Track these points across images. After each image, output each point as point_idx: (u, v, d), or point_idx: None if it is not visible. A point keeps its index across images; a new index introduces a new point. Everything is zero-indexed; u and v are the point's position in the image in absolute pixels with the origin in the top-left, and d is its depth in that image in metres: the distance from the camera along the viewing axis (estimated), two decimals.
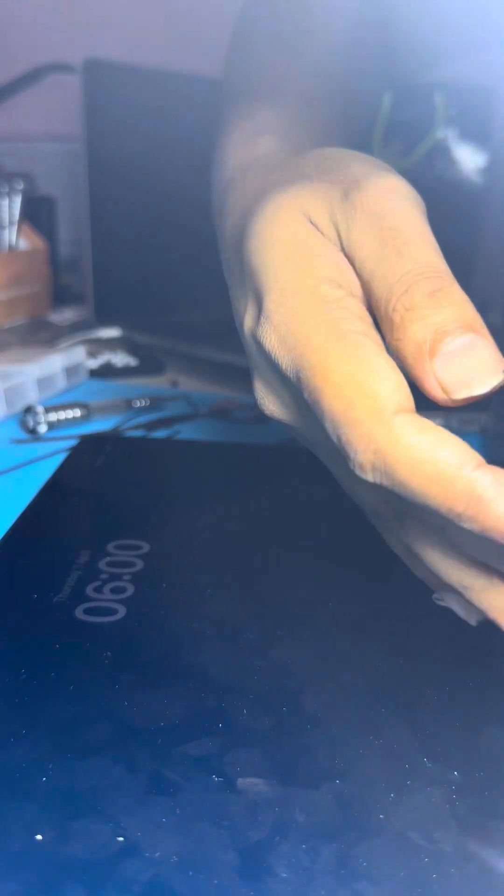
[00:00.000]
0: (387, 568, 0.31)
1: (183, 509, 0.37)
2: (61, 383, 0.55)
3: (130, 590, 0.29)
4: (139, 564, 0.31)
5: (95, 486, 0.41)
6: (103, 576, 0.29)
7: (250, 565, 0.31)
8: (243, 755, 0.21)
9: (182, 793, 0.19)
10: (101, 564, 0.30)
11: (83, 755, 0.20)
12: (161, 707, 0.22)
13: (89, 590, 0.28)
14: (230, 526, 0.35)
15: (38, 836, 0.18)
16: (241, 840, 0.18)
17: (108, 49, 0.74)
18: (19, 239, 0.77)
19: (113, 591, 0.29)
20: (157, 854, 0.18)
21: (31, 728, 0.21)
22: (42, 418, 0.46)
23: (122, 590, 0.29)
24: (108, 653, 0.25)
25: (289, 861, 0.18)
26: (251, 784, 0.20)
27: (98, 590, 0.28)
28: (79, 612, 0.27)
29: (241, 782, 0.20)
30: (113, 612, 0.27)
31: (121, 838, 0.18)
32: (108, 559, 0.31)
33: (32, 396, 0.52)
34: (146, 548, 0.32)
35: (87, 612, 0.27)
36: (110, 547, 0.32)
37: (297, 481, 0.42)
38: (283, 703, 0.23)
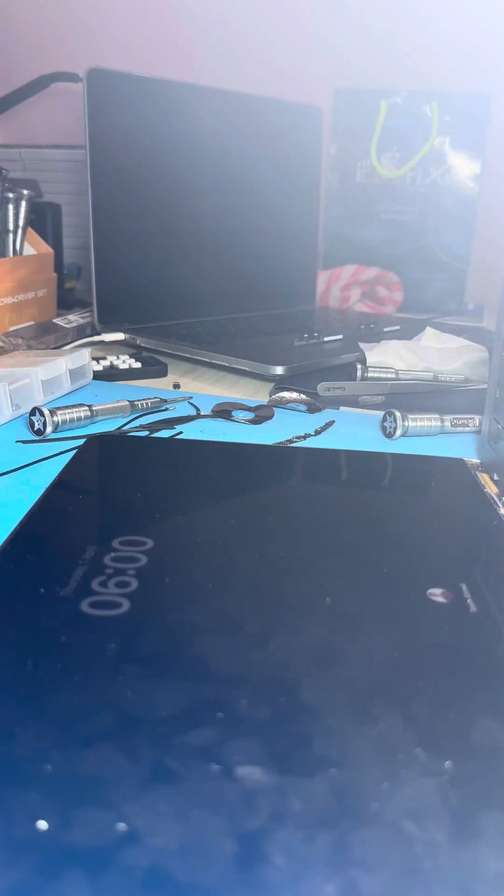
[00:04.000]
0: (382, 564, 0.32)
1: (186, 507, 0.38)
2: (66, 385, 0.56)
3: (134, 584, 0.29)
4: (143, 560, 0.31)
5: (101, 484, 0.41)
6: (108, 571, 0.30)
7: (250, 561, 0.32)
8: (242, 744, 0.21)
9: (182, 781, 0.20)
10: (107, 560, 0.31)
11: (86, 744, 0.21)
12: (163, 697, 0.23)
13: (94, 584, 0.29)
14: (231, 523, 0.36)
15: (41, 823, 0.18)
16: (238, 827, 0.18)
17: (111, 58, 0.75)
18: (25, 244, 0.78)
19: (117, 585, 0.29)
20: (158, 841, 0.18)
21: (35, 717, 0.22)
22: (48, 419, 0.47)
23: (127, 584, 0.29)
24: (113, 645, 0.25)
25: (285, 848, 0.18)
26: (249, 773, 0.20)
27: (103, 584, 0.29)
28: (84, 606, 0.27)
29: (240, 771, 0.20)
30: (117, 605, 0.28)
31: (122, 825, 0.18)
32: (112, 555, 0.31)
33: (38, 398, 0.53)
34: (150, 544, 0.33)
35: (92, 605, 0.28)
36: (115, 543, 0.32)
37: (295, 480, 0.43)
38: (280, 694, 0.23)
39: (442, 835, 0.18)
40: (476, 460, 0.46)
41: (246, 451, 0.46)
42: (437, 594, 0.29)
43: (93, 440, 0.46)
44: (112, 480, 0.42)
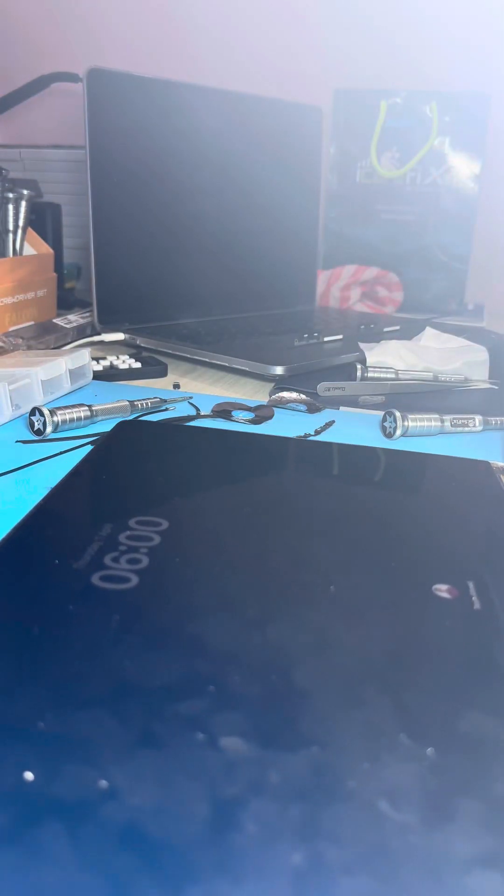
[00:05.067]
0: (392, 558, 0.32)
1: (203, 492, 0.39)
2: (66, 385, 0.56)
3: (145, 562, 0.30)
4: (156, 539, 0.32)
5: (123, 466, 0.42)
6: (122, 547, 0.31)
7: (260, 548, 0.33)
8: (229, 717, 0.22)
9: (167, 747, 0.20)
10: (122, 537, 0.32)
11: (80, 706, 0.22)
12: (159, 669, 0.23)
13: (107, 559, 0.30)
14: (246, 510, 0.37)
15: (28, 775, 0.19)
16: (215, 794, 0.19)
17: (111, 58, 0.75)
18: (25, 244, 0.78)
19: (129, 561, 0.30)
20: (135, 800, 0.19)
21: (34, 678, 0.23)
22: (48, 419, 0.47)
23: (138, 561, 0.30)
24: (117, 617, 0.26)
25: (257, 817, 0.18)
26: (232, 743, 0.21)
27: (115, 560, 0.30)
28: (95, 579, 0.28)
29: (224, 741, 0.21)
30: (126, 580, 0.29)
31: (103, 783, 0.19)
32: (128, 533, 0.32)
33: (38, 398, 0.53)
34: (164, 525, 0.33)
35: (102, 578, 0.29)
36: (132, 522, 0.33)
37: (313, 473, 0.43)
38: (273, 674, 0.24)
39: (415, 818, 0.19)
40: (501, 463, 0.46)
41: (266, 442, 0.46)
42: (442, 590, 0.30)
43: (121, 426, 0.47)
44: (135, 464, 0.42)
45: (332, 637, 0.26)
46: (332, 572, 0.31)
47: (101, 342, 0.72)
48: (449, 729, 0.22)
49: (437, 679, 0.24)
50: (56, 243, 0.89)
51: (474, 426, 0.52)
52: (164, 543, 0.32)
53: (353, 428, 0.53)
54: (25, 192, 0.76)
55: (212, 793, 0.19)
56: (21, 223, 0.76)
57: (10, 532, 0.32)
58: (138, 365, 0.65)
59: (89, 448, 0.46)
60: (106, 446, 0.43)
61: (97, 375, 0.62)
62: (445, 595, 0.29)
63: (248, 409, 0.55)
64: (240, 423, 0.52)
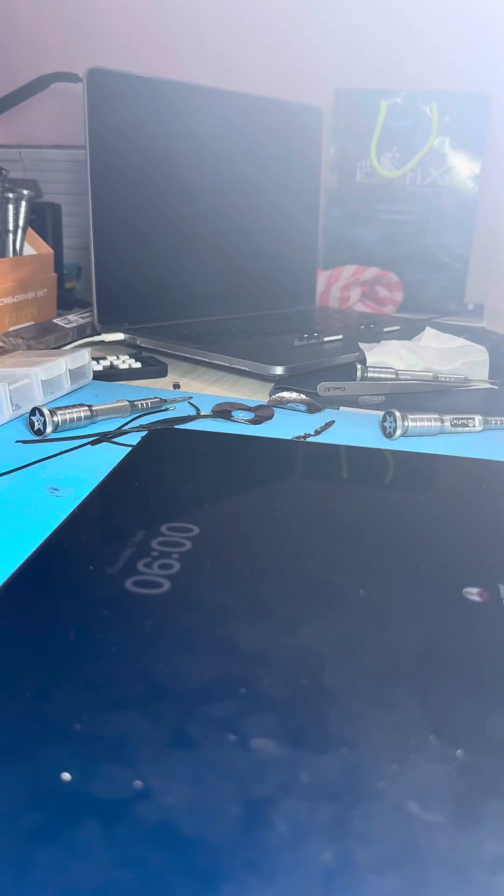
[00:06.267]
0: (421, 561, 0.33)
1: (233, 498, 0.39)
2: (66, 385, 0.56)
3: (177, 567, 0.31)
4: (188, 545, 0.33)
5: (154, 474, 0.42)
6: (154, 553, 0.32)
7: (290, 552, 0.33)
8: (260, 719, 0.22)
9: (199, 748, 0.21)
10: (154, 543, 0.33)
11: (115, 708, 0.22)
12: (191, 671, 0.24)
13: (140, 565, 0.31)
14: (274, 515, 0.37)
15: (66, 775, 0.20)
16: (247, 794, 0.19)
17: (111, 58, 0.75)
18: (25, 244, 0.78)
19: (161, 567, 0.31)
20: (169, 800, 0.19)
21: (71, 681, 0.23)
22: (48, 419, 0.47)
23: (170, 567, 0.31)
24: (150, 621, 0.27)
25: (288, 816, 0.19)
26: (263, 745, 0.21)
27: (148, 565, 0.31)
28: (128, 584, 0.29)
29: (255, 742, 0.21)
30: (159, 585, 0.29)
31: (138, 783, 0.19)
32: (160, 539, 0.33)
33: (38, 398, 0.53)
34: (196, 531, 0.34)
35: (135, 584, 0.29)
36: (163, 528, 0.34)
37: (343, 477, 0.43)
38: (303, 677, 0.24)
39: (443, 817, 0.19)
40: None
41: (296, 448, 0.47)
42: (472, 593, 0.30)
43: (152, 434, 0.47)
44: (165, 472, 0.43)
45: (362, 640, 0.26)
46: (361, 576, 0.31)
47: (101, 342, 0.72)
48: (478, 731, 0.22)
49: (467, 681, 0.24)
50: (56, 243, 0.89)
51: (474, 426, 0.52)
52: (195, 549, 0.32)
53: (353, 428, 0.53)
54: (25, 192, 0.76)
55: (243, 793, 0.19)
56: (21, 223, 0.76)
57: (46, 539, 0.33)
58: (138, 365, 0.65)
59: (89, 448, 0.46)
60: (136, 455, 0.44)
61: (97, 375, 0.62)
62: (476, 598, 0.29)
63: (248, 409, 0.55)
64: (240, 424, 0.52)
